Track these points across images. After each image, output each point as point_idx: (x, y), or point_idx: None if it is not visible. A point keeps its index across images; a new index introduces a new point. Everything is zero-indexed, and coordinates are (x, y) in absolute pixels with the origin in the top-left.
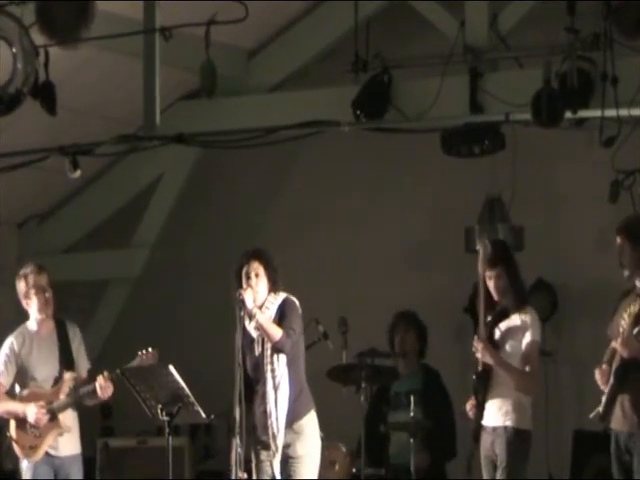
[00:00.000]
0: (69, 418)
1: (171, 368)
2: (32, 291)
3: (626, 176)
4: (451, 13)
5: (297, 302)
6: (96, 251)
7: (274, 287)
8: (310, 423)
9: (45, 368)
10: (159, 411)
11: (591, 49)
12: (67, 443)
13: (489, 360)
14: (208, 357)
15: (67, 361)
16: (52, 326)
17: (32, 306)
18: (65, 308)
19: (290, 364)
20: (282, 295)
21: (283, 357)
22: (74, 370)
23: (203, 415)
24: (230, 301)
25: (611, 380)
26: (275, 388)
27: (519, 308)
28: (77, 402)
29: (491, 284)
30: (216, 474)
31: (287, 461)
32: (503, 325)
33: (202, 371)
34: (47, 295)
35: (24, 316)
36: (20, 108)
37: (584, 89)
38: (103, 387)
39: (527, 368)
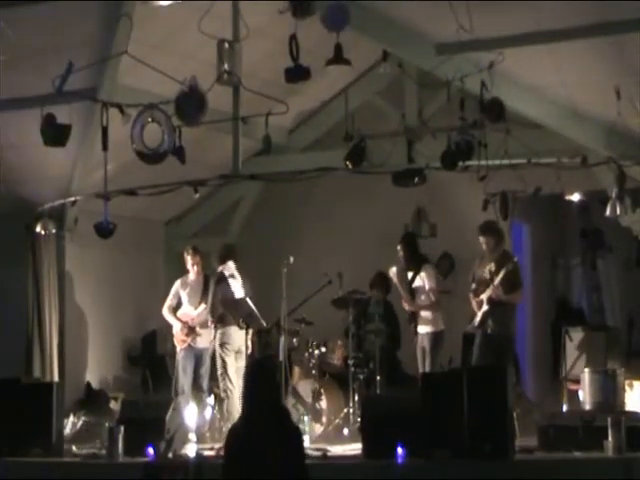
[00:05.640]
0: (202, 328)
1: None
2: (189, 258)
3: (492, 196)
4: (397, 108)
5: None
6: (200, 238)
7: None
8: None
9: (192, 301)
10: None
11: (473, 128)
12: (201, 340)
13: (413, 309)
14: (265, 290)
15: (203, 299)
16: (201, 279)
17: (190, 266)
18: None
19: None
20: None
21: None
22: (206, 304)
23: (264, 323)
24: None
25: (484, 307)
26: None
27: (419, 270)
28: (205, 322)
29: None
30: (273, 356)
31: None
32: (414, 284)
33: (260, 296)
34: (197, 259)
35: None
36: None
37: (469, 150)
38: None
39: (432, 298)
